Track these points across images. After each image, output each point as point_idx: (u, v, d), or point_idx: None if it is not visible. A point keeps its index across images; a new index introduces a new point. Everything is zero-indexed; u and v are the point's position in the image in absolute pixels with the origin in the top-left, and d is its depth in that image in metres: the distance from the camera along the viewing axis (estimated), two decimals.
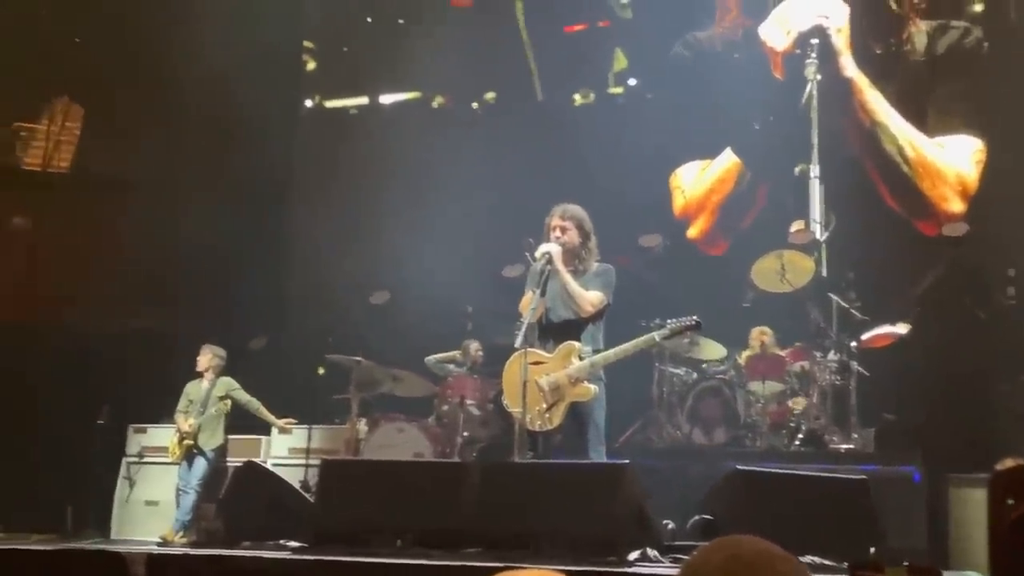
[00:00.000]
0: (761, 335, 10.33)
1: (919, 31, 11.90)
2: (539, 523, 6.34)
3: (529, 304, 7.23)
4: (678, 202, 12.71)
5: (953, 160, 11.46)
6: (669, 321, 7.59)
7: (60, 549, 6.87)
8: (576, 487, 6.54)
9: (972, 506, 7.37)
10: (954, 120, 11.59)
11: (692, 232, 12.59)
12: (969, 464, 7.99)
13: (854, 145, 11.92)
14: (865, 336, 10.13)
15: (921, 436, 9.56)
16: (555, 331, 7.41)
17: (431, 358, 10.78)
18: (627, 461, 6.74)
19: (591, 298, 7.36)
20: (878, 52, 12.02)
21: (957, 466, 8.19)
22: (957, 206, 11.38)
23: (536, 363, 7.21)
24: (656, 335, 7.50)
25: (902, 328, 10.29)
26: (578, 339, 7.32)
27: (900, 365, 10.29)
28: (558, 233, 7.48)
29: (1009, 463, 6.85)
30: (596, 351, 7.33)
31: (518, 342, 7.13)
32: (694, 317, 7.53)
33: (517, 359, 7.26)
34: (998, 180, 11.23)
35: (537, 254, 7.42)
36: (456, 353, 10.72)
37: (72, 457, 10.87)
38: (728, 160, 12.50)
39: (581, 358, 7.26)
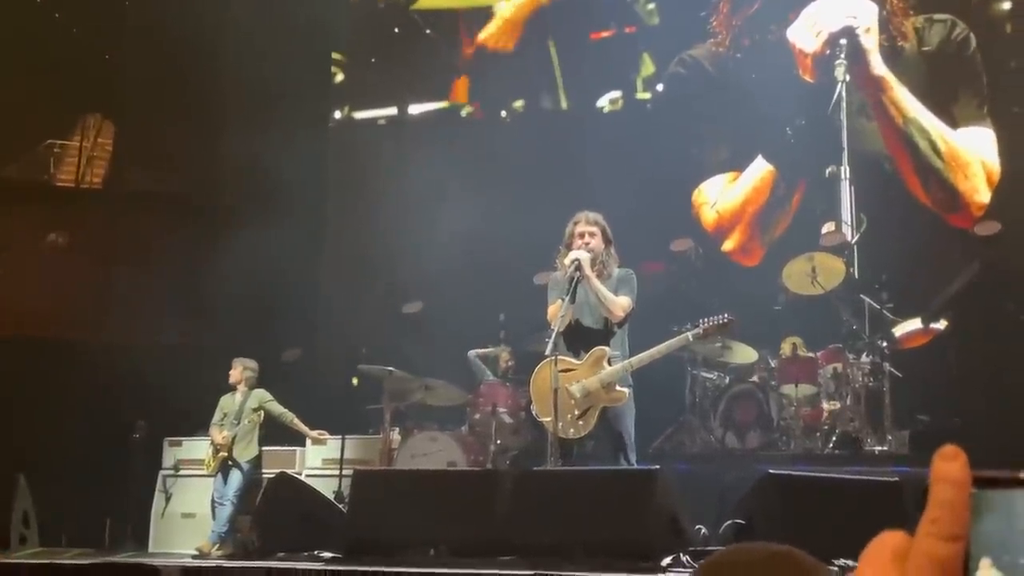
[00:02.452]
0: (791, 344, 10.28)
1: (913, 26, 11.86)
2: (572, 530, 6.34)
3: (558, 312, 7.23)
4: (708, 217, 12.64)
5: (979, 150, 11.41)
6: (701, 321, 7.59)
7: (96, 563, 6.93)
8: (608, 493, 6.54)
9: None
10: (964, 112, 11.54)
11: (728, 245, 12.52)
12: (1004, 465, 7.90)
13: (886, 144, 11.86)
14: (899, 334, 10.06)
15: (956, 438, 9.46)
16: (584, 338, 7.41)
17: (473, 352, 10.77)
18: (658, 467, 6.73)
19: (622, 303, 7.36)
20: (884, 45, 11.97)
21: (992, 467, 8.10)
22: (985, 196, 11.31)
23: (565, 370, 7.21)
24: (689, 335, 7.51)
25: (936, 327, 10.21)
26: (607, 345, 7.32)
27: (934, 366, 10.20)
28: (587, 239, 7.48)
29: None
30: (624, 355, 7.33)
31: (548, 350, 7.14)
32: (726, 315, 7.53)
33: (546, 367, 7.26)
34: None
35: (566, 261, 7.41)
36: (500, 347, 10.74)
37: (109, 472, 10.96)
38: (761, 169, 12.44)
39: (610, 363, 7.26)
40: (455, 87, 14.11)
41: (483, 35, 14.10)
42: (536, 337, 8.75)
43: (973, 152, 11.44)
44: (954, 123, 11.54)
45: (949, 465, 0.74)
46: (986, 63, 11.61)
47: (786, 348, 10.19)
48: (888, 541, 0.76)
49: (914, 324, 10.37)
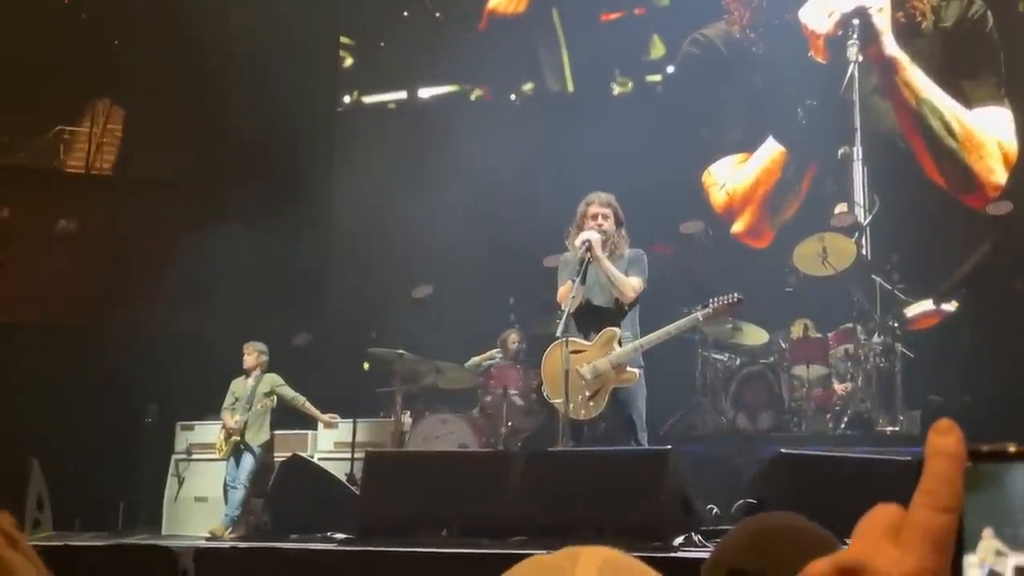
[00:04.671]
0: (801, 325, 10.26)
1: (929, 4, 11.78)
2: (584, 510, 6.34)
3: (568, 293, 7.22)
4: (718, 199, 12.60)
5: (995, 130, 11.34)
6: (711, 300, 7.58)
7: (111, 544, 6.96)
8: (619, 474, 6.54)
9: None
10: (980, 91, 11.47)
11: (737, 227, 12.48)
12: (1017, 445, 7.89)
13: (899, 124, 11.80)
14: (911, 314, 10.04)
15: (968, 417, 9.47)
16: (594, 319, 7.40)
17: (471, 362, 10.75)
18: (669, 447, 6.72)
19: (633, 283, 7.35)
20: (901, 21, 11.89)
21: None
22: (1001, 177, 11.25)
23: (576, 351, 7.20)
24: (699, 315, 7.50)
25: (948, 307, 10.18)
26: (617, 326, 7.31)
27: (946, 346, 10.18)
28: (600, 220, 7.46)
29: None
30: (634, 336, 7.32)
31: (559, 331, 7.13)
32: (736, 294, 7.52)
33: (557, 348, 7.26)
34: None
35: (577, 242, 7.40)
36: (494, 351, 10.73)
37: (122, 456, 11.00)
38: (772, 150, 12.40)
39: (621, 344, 7.25)
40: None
41: (492, 2, 14.07)
42: (546, 319, 8.74)
43: (989, 132, 11.37)
44: (970, 103, 11.47)
45: (944, 439, 0.74)
46: (1003, 42, 11.53)
47: (797, 329, 10.16)
48: (882, 514, 0.76)
49: (926, 305, 10.34)
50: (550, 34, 13.71)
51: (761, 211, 12.43)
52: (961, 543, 0.74)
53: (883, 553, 0.73)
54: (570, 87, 13.68)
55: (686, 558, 5.66)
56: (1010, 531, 0.73)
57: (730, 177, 12.59)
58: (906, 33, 11.82)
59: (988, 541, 0.73)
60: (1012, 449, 0.75)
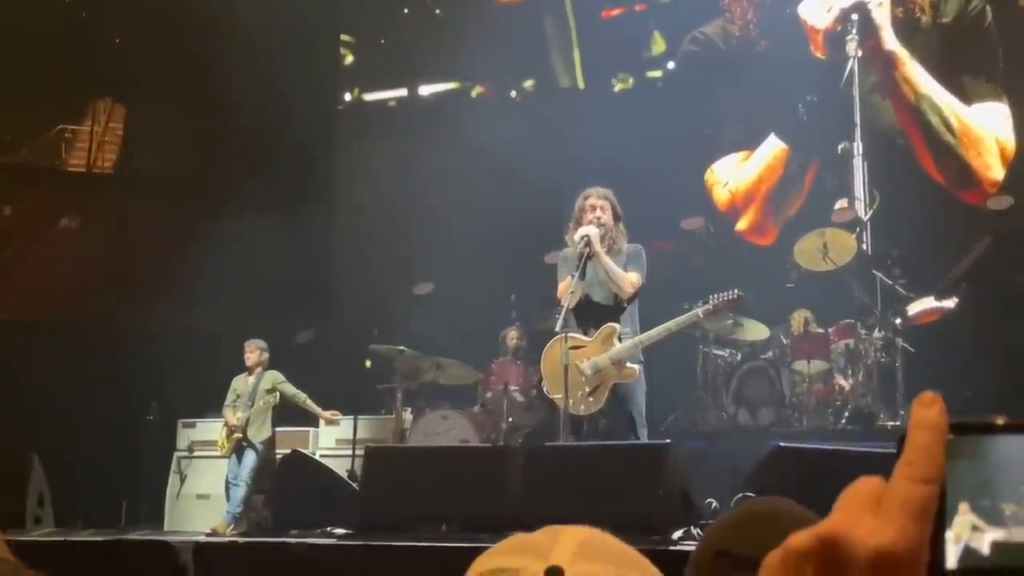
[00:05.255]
0: (802, 317, 10.26)
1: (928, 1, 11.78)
2: (583, 505, 6.32)
3: (568, 289, 7.22)
4: (721, 197, 12.62)
5: (993, 126, 11.33)
6: (711, 297, 7.58)
7: (111, 540, 6.97)
8: (619, 468, 6.55)
9: None
10: (979, 87, 11.46)
11: (742, 225, 12.49)
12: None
13: (898, 120, 11.80)
14: (912, 313, 10.04)
15: (969, 411, 9.44)
16: (594, 314, 7.40)
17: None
18: (668, 441, 6.73)
19: (631, 278, 7.35)
20: (900, 17, 11.88)
21: None
22: (999, 173, 11.24)
23: (576, 347, 7.21)
24: (699, 311, 7.50)
25: (948, 303, 10.17)
26: (617, 321, 7.32)
27: (947, 341, 10.17)
28: (598, 213, 7.46)
29: None
30: (634, 332, 7.32)
31: (558, 326, 7.13)
32: (736, 290, 7.52)
33: (556, 344, 7.27)
34: None
35: (576, 237, 7.40)
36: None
37: (124, 453, 11.01)
38: (774, 146, 12.40)
39: (621, 340, 7.25)
40: None
41: None
42: (547, 315, 8.75)
43: (987, 128, 11.36)
44: (968, 99, 11.46)
45: (926, 411, 0.75)
46: (1001, 37, 11.52)
47: (798, 320, 10.16)
48: (863, 485, 0.76)
49: (927, 303, 10.32)
50: (563, 30, 13.72)
51: (765, 208, 12.43)
52: (943, 516, 0.74)
53: (863, 524, 0.73)
54: (580, 83, 13.68)
55: (685, 552, 5.64)
56: (987, 503, 0.73)
57: (733, 175, 12.59)
58: (905, 28, 11.82)
59: (964, 516, 0.74)
60: (1000, 421, 0.75)
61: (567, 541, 1.19)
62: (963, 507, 0.74)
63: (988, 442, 0.75)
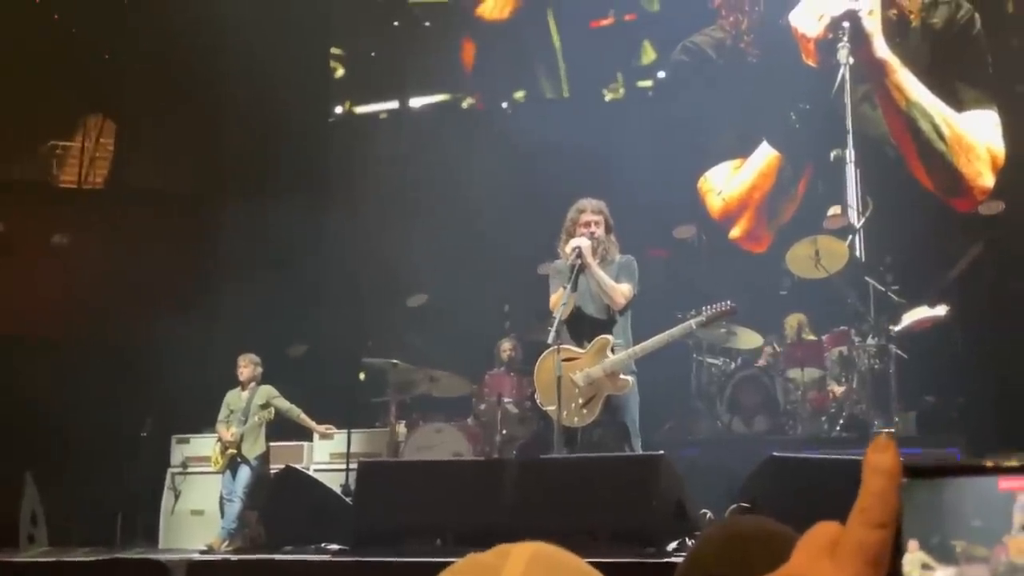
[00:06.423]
0: (796, 321, 10.27)
1: (917, 8, 11.80)
2: (577, 517, 6.32)
3: (560, 301, 7.20)
4: (715, 205, 12.63)
5: (983, 134, 11.35)
6: (705, 308, 7.57)
7: (103, 559, 6.93)
8: (613, 480, 6.52)
9: None
10: (969, 94, 11.49)
11: (735, 232, 12.49)
12: (1012, 444, 7.90)
13: (889, 127, 11.82)
14: (905, 322, 10.03)
15: (963, 418, 9.47)
16: (587, 326, 7.39)
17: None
18: (662, 452, 6.71)
19: (622, 290, 7.34)
20: (892, 20, 11.91)
21: (999, 447, 8.10)
22: (989, 180, 11.27)
23: (569, 359, 7.19)
24: (693, 323, 7.48)
25: (941, 310, 10.17)
26: (610, 333, 7.30)
27: (940, 347, 10.17)
28: (592, 228, 7.45)
29: None
30: (627, 343, 7.31)
31: (551, 338, 7.12)
32: (729, 302, 7.51)
33: (549, 356, 7.25)
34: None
35: (568, 249, 7.39)
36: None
37: (118, 470, 10.98)
38: (767, 154, 12.41)
39: (614, 351, 7.24)
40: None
41: (480, 8, 14.10)
42: (541, 327, 8.73)
43: (978, 136, 11.38)
44: (960, 106, 11.48)
45: (880, 456, 0.76)
46: (991, 45, 11.55)
47: (791, 325, 10.16)
48: (822, 530, 0.78)
49: (922, 312, 10.32)
50: (545, 40, 13.72)
51: (758, 216, 12.44)
52: (899, 556, 0.74)
53: (820, 568, 0.75)
54: (565, 92, 13.68)
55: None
56: (937, 540, 0.73)
57: (726, 183, 12.60)
58: (895, 36, 11.84)
59: (914, 554, 0.74)
60: (949, 464, 0.75)
61: (516, 560, 1.19)
62: (912, 544, 0.74)
63: (940, 484, 0.75)
